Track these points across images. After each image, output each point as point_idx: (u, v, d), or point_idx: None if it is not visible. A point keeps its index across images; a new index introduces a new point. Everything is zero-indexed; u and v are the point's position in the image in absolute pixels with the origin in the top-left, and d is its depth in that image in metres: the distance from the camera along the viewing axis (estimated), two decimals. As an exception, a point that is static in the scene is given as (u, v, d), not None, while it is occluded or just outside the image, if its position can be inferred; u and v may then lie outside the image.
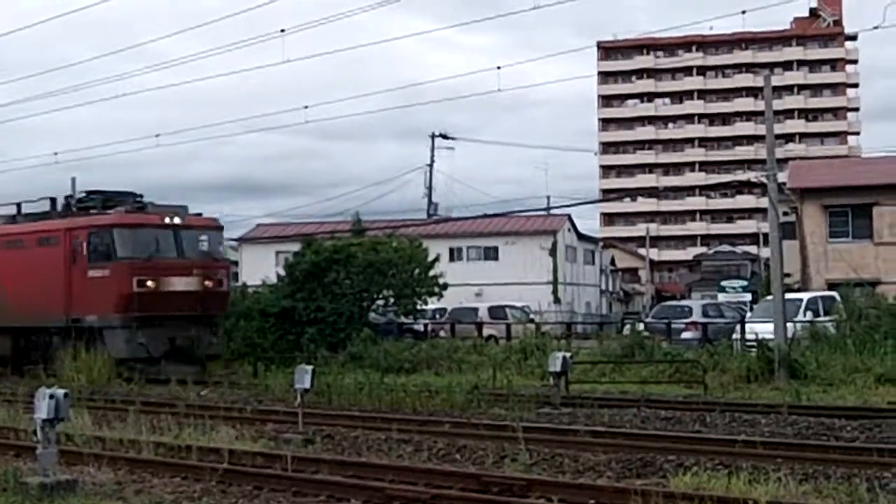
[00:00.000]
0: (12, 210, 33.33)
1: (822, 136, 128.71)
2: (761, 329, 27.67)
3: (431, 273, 36.85)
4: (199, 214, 31.32)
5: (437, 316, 45.90)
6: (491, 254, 67.56)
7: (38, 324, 30.25)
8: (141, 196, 31.02)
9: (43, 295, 29.63)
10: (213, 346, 29.92)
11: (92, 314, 28.65)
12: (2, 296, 30.78)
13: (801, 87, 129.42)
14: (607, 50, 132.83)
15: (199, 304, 29.12)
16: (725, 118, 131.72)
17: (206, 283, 29.48)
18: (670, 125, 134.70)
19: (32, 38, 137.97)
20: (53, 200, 32.13)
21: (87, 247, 28.97)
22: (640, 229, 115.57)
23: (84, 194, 31.72)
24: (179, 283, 28.88)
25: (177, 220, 29.35)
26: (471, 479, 11.92)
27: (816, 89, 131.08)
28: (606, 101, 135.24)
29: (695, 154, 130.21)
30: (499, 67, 40.83)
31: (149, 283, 28.30)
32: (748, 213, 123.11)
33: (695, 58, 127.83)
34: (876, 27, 24.34)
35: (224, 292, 30.82)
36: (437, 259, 37.78)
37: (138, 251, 28.62)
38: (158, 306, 28.36)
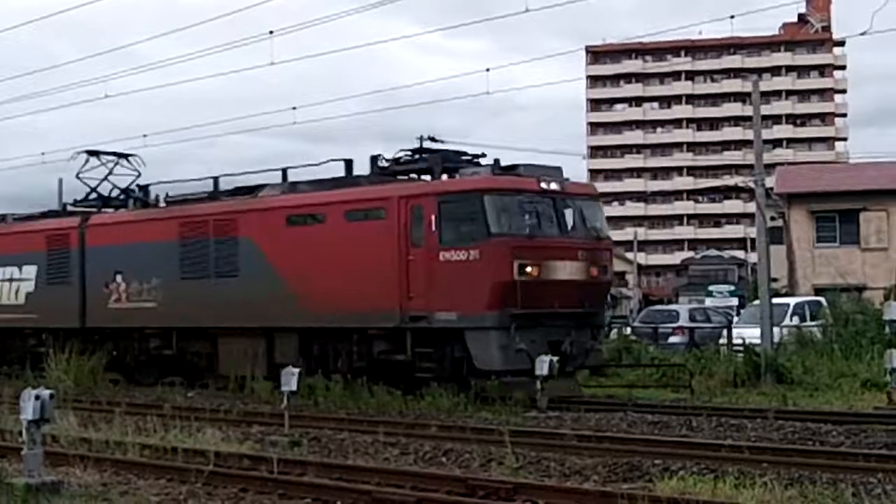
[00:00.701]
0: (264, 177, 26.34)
1: (809, 142, 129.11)
2: (748, 334, 27.76)
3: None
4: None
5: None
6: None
7: (349, 324, 22.74)
8: (483, 155, 23.98)
9: (360, 285, 22.34)
10: (596, 354, 22.94)
11: (446, 311, 21.24)
12: (287, 287, 23.79)
13: (790, 93, 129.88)
14: (596, 54, 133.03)
15: (584, 297, 22.04)
16: (713, 123, 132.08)
17: (592, 269, 22.35)
18: (658, 129, 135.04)
19: (18, 39, 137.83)
20: (349, 163, 24.98)
21: (439, 220, 21.51)
22: (627, 233, 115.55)
23: (406, 154, 24.13)
24: (563, 270, 21.75)
25: (554, 186, 22.19)
26: (457, 483, 11.92)
27: (804, 95, 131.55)
28: (595, 104, 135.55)
29: (683, 158, 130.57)
30: (487, 70, 40.70)
31: (529, 269, 21.07)
32: (736, 217, 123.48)
33: (683, 62, 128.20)
34: (863, 33, 24.35)
35: (608, 282, 24.00)
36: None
37: (517, 226, 21.50)
38: (540, 300, 21.12)
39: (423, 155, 23.79)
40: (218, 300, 24.96)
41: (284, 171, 25.68)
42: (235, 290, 24.66)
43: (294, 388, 17.09)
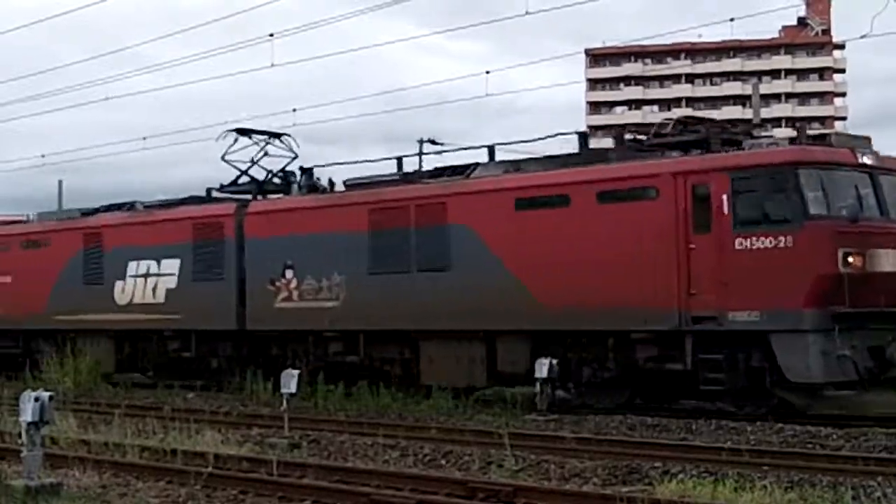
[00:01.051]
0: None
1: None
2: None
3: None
4: None
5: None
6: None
7: (604, 325, 19.44)
8: (761, 125, 20.75)
9: (619, 280, 18.96)
10: None
11: (745, 310, 17.73)
12: (517, 282, 20.37)
13: (789, 96, 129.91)
14: (596, 57, 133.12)
15: None
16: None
17: None
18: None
19: (20, 41, 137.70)
20: (584, 136, 21.80)
21: (734, 200, 18.00)
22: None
23: (675, 124, 20.86)
24: (888, 261, 18.10)
25: (869, 160, 18.52)
26: (456, 485, 11.91)
27: (804, 98, 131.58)
28: (594, 107, 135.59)
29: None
30: (487, 72, 40.73)
31: (852, 258, 17.54)
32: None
33: (683, 65, 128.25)
34: (863, 36, 24.39)
35: None
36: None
37: (836, 207, 17.96)
38: (865, 297, 17.57)
39: (692, 127, 20.56)
40: (421, 298, 21.65)
41: (491, 148, 22.49)
42: (446, 286, 21.29)
43: (293, 390, 17.06)
